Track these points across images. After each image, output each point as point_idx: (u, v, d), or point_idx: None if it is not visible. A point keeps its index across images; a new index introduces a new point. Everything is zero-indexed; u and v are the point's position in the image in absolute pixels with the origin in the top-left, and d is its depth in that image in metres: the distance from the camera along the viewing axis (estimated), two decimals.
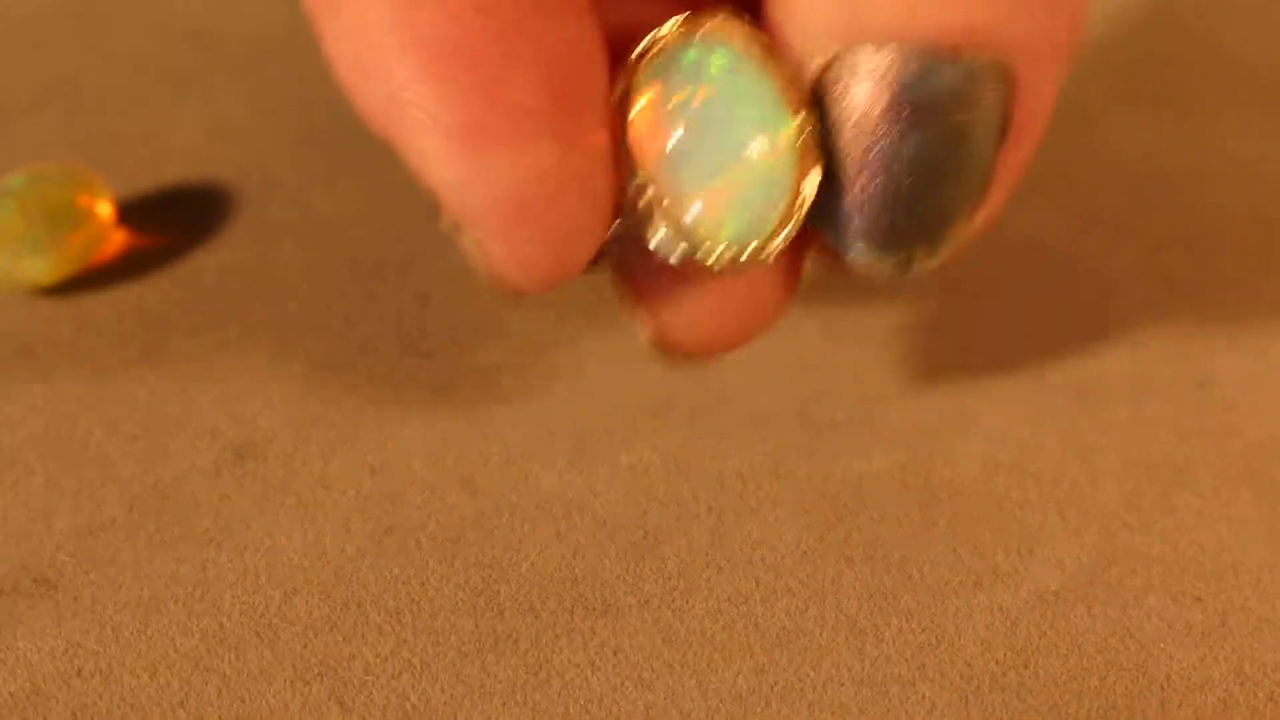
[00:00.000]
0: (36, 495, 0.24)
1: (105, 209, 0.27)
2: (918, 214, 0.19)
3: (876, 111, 0.19)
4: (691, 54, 0.19)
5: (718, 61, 0.19)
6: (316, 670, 0.21)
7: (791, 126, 0.19)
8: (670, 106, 0.19)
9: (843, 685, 0.21)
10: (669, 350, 0.21)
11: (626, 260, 0.20)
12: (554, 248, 0.19)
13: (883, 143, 0.19)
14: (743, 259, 0.19)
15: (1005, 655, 0.22)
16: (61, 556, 0.23)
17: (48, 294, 0.27)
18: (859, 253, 0.20)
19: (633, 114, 0.19)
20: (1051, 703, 0.21)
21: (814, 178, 0.19)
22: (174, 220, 0.28)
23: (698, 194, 0.19)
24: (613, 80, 0.19)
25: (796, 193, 0.19)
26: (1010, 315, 0.26)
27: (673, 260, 0.19)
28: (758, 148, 0.19)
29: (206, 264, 0.28)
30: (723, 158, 0.19)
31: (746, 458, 0.24)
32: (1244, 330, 0.26)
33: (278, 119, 0.31)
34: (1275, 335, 0.26)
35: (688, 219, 0.19)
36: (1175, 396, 0.25)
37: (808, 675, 0.21)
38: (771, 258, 0.20)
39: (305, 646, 0.22)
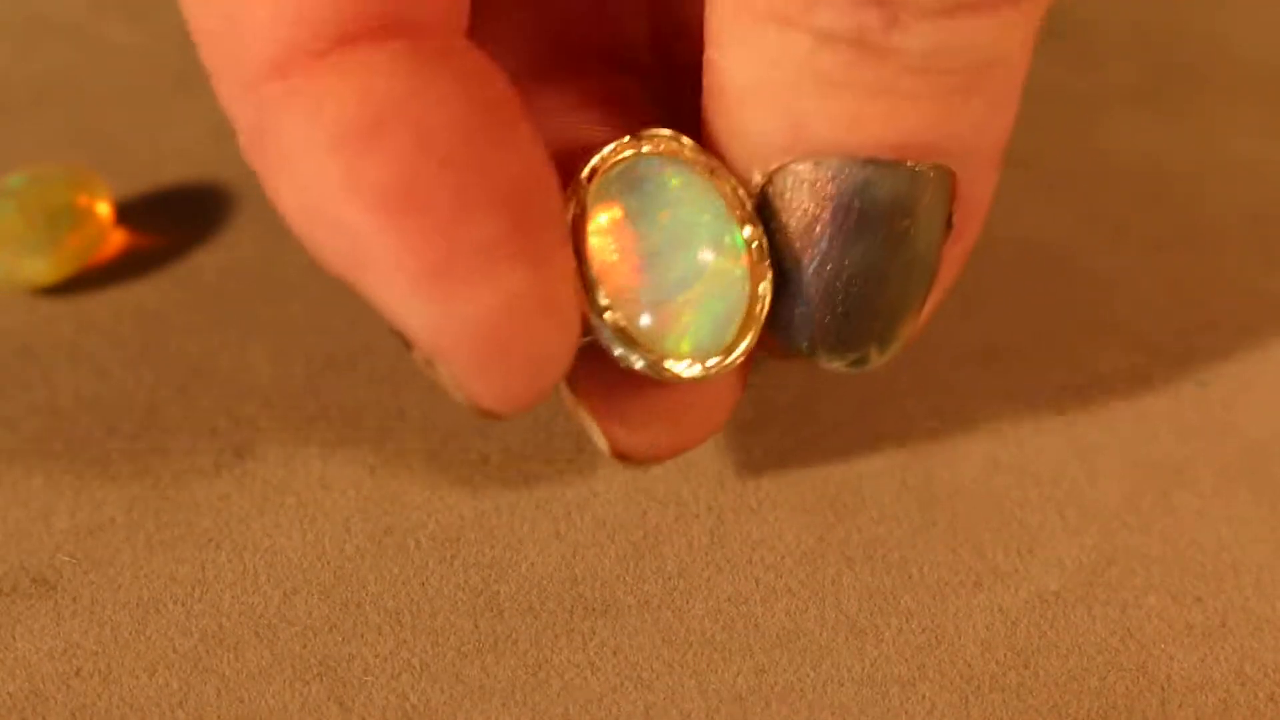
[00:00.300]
0: (36, 495, 0.24)
1: (105, 209, 0.27)
2: (867, 317, 0.20)
3: (821, 222, 0.19)
4: (645, 172, 0.20)
5: (672, 179, 0.20)
6: (316, 670, 0.21)
7: (743, 238, 0.20)
8: (630, 224, 0.20)
9: (843, 685, 0.21)
10: (625, 459, 0.21)
11: (582, 375, 0.21)
12: (528, 373, 0.18)
13: (829, 252, 0.20)
14: (708, 370, 0.20)
15: (1005, 655, 0.22)
16: (61, 556, 0.23)
17: (47, 294, 0.27)
18: (813, 355, 0.20)
19: (590, 232, 0.19)
20: (1052, 703, 0.21)
21: (766, 285, 0.20)
22: (173, 220, 0.28)
23: (662, 309, 0.20)
24: (564, 200, 0.19)
25: (754, 301, 0.20)
26: (1010, 315, 0.26)
27: (638, 371, 0.20)
28: (716, 261, 0.20)
29: (206, 264, 0.28)
30: (684, 273, 0.20)
31: (746, 458, 0.24)
32: (1244, 330, 0.26)
33: None
34: (1275, 335, 0.26)
35: (652, 334, 0.20)
36: (1175, 396, 0.25)
37: (808, 675, 0.21)
38: (734, 367, 0.20)
39: (305, 647, 0.22)
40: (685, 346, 0.20)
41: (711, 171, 0.20)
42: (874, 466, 0.24)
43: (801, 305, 0.20)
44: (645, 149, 0.20)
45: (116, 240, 0.28)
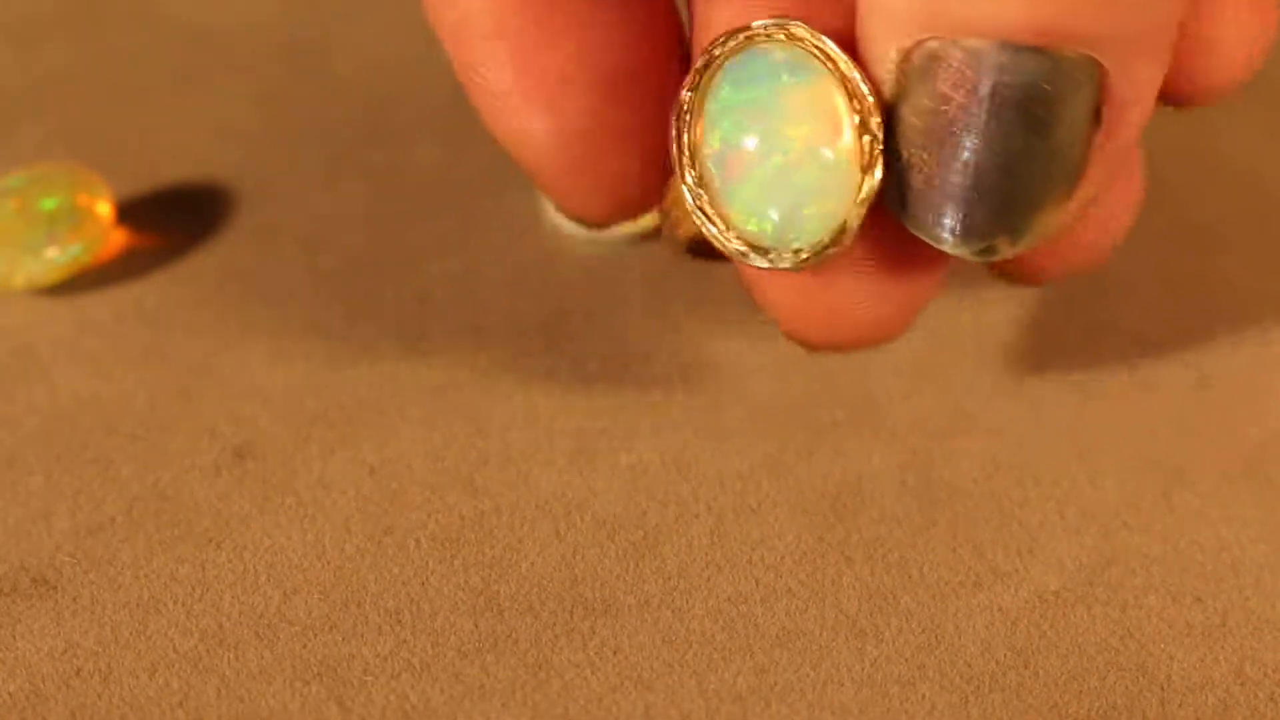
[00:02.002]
0: (36, 495, 0.24)
1: (105, 209, 0.27)
2: (999, 204, 0.19)
3: (953, 105, 0.19)
4: (756, 61, 0.20)
5: (782, 73, 0.20)
6: (316, 670, 0.21)
7: (852, 127, 0.19)
8: (730, 114, 0.20)
9: (843, 685, 0.21)
10: (801, 343, 0.22)
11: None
12: (603, 191, 0.22)
13: (960, 135, 0.19)
14: (800, 259, 0.20)
15: (1005, 655, 0.22)
16: (61, 556, 0.23)
17: (47, 293, 0.27)
18: (939, 240, 0.20)
19: (694, 121, 0.20)
20: (1051, 703, 0.21)
21: (877, 174, 0.19)
22: (173, 220, 0.28)
23: (749, 194, 0.20)
24: (688, 67, 0.20)
25: (858, 189, 0.19)
26: (1010, 315, 0.26)
27: (734, 259, 0.20)
28: (814, 149, 0.19)
29: (206, 264, 0.28)
30: (776, 160, 0.20)
31: (746, 458, 0.24)
32: (1244, 330, 0.26)
33: (278, 119, 0.31)
34: (1275, 335, 0.26)
35: (740, 218, 0.20)
36: (1175, 396, 0.25)
37: (808, 675, 0.21)
38: (832, 257, 0.20)
39: (304, 646, 0.22)
40: (774, 232, 0.20)
41: (829, 59, 0.19)
42: (874, 466, 0.24)
43: (930, 185, 0.19)
44: (761, 38, 0.20)
45: (116, 240, 0.28)
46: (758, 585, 0.22)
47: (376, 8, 0.34)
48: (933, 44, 0.19)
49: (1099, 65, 0.19)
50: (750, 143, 0.20)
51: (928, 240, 0.20)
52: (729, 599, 0.22)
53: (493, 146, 0.30)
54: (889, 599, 0.22)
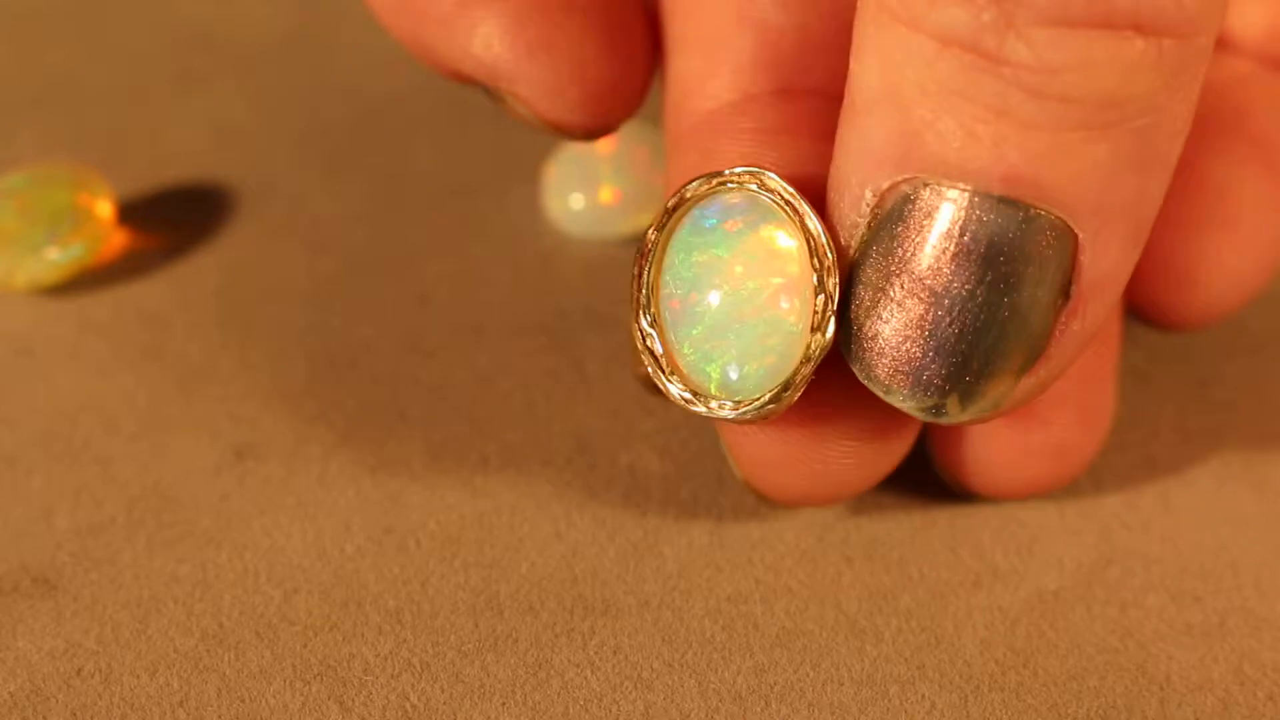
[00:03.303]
0: (36, 495, 0.24)
1: (106, 209, 0.27)
2: (953, 363, 0.19)
3: (921, 250, 0.18)
4: (730, 203, 0.20)
5: (749, 213, 0.20)
6: (316, 670, 0.21)
7: (810, 286, 0.19)
8: (691, 250, 0.20)
9: (842, 685, 0.21)
10: (759, 495, 0.22)
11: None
12: (572, 81, 0.22)
13: (919, 284, 0.19)
14: (741, 412, 0.20)
15: (1005, 655, 0.22)
16: (61, 556, 0.23)
17: (48, 294, 0.27)
18: (887, 393, 0.19)
19: (656, 261, 0.20)
20: (1051, 702, 0.21)
21: (825, 336, 0.19)
22: (174, 220, 0.28)
23: (696, 346, 0.20)
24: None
25: (805, 350, 0.19)
26: None
27: (676, 404, 0.20)
28: (766, 308, 0.20)
29: (207, 264, 0.28)
30: (726, 309, 0.20)
31: None
32: (1244, 330, 0.26)
33: (278, 119, 0.31)
34: (1275, 335, 0.26)
35: (690, 368, 0.20)
36: (1175, 396, 0.25)
37: (807, 675, 0.21)
38: (772, 414, 0.20)
39: (305, 646, 0.22)
40: (713, 387, 0.20)
41: (797, 213, 0.19)
42: None
43: (883, 340, 0.19)
44: (733, 185, 0.20)
45: (117, 240, 0.28)
46: (757, 585, 0.22)
47: None
48: (905, 188, 0.18)
49: (1071, 235, 0.18)
50: (704, 292, 0.20)
51: (877, 392, 0.19)
52: (729, 599, 0.22)
53: (493, 146, 0.30)
54: (889, 599, 0.22)
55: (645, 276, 0.20)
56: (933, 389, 0.19)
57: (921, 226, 0.18)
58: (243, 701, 0.21)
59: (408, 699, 0.21)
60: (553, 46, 0.22)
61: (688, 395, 0.20)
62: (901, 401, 0.19)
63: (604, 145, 0.28)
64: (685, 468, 0.24)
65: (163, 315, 0.27)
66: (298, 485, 0.24)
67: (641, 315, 0.20)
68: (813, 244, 0.19)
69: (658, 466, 0.24)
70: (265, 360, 0.26)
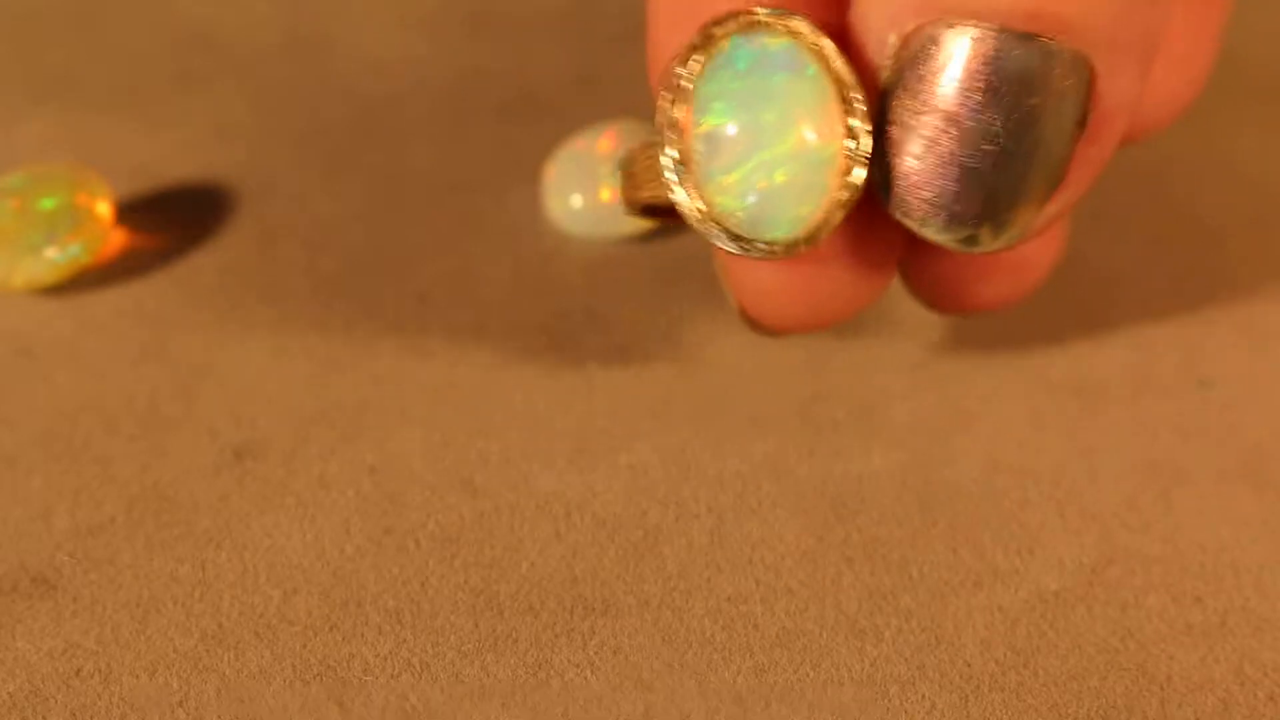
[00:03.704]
0: (36, 495, 0.24)
1: (105, 209, 0.27)
2: (980, 194, 0.20)
3: (949, 88, 0.19)
4: (760, 45, 0.20)
5: (781, 57, 0.20)
6: (316, 670, 0.21)
7: (842, 128, 0.20)
8: (724, 91, 0.20)
9: (842, 685, 0.21)
10: (753, 325, 0.22)
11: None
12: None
13: (947, 121, 0.19)
14: (772, 250, 0.20)
15: (1005, 655, 0.22)
16: (61, 556, 0.23)
17: (47, 294, 0.27)
18: (924, 225, 0.20)
19: (688, 80, 0.20)
20: (1051, 703, 0.21)
21: (858, 178, 0.20)
22: (173, 220, 0.28)
23: (727, 178, 0.20)
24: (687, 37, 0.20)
25: (841, 185, 0.20)
26: (1010, 315, 0.26)
27: (705, 237, 0.20)
28: (798, 142, 0.20)
29: (206, 264, 0.28)
30: (761, 152, 0.20)
31: (746, 458, 0.24)
32: (1244, 330, 0.26)
33: (277, 119, 0.31)
34: (1275, 335, 0.26)
35: (716, 201, 0.20)
36: (1175, 396, 0.25)
37: (808, 675, 0.21)
38: (802, 253, 0.20)
39: (304, 646, 0.22)
40: (742, 216, 0.20)
41: (825, 58, 0.20)
42: (874, 466, 0.24)
43: (916, 171, 0.20)
44: (761, 27, 0.20)
45: (116, 240, 0.28)
46: (758, 585, 0.22)
47: (376, 8, 0.34)
48: (929, 29, 0.19)
49: (1089, 66, 0.19)
50: (739, 131, 0.20)
51: (911, 226, 0.20)
52: (729, 599, 0.22)
53: (492, 146, 0.30)
54: (889, 599, 0.22)
55: (674, 112, 0.20)
56: (967, 220, 0.20)
57: (947, 66, 0.19)
58: (242, 702, 0.21)
59: (407, 699, 0.21)
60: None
61: (717, 231, 0.20)
62: (936, 234, 0.20)
63: (604, 144, 0.28)
64: (685, 468, 0.24)
65: (162, 315, 0.27)
66: (297, 485, 0.24)
67: (669, 147, 0.20)
68: (843, 89, 0.20)
69: (658, 466, 0.24)
70: (265, 360, 0.26)
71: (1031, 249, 0.23)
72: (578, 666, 0.21)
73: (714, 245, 0.20)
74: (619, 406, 0.25)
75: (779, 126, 0.20)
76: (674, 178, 0.20)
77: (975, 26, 0.19)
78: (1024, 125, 0.19)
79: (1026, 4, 0.19)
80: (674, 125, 0.20)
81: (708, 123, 0.20)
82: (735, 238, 0.20)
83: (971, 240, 0.20)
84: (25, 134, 0.30)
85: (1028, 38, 0.19)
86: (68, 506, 0.24)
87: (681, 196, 0.20)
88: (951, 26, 0.19)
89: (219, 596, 0.22)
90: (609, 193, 0.28)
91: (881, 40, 0.20)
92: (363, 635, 0.22)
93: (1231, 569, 0.23)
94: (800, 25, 0.20)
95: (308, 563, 0.23)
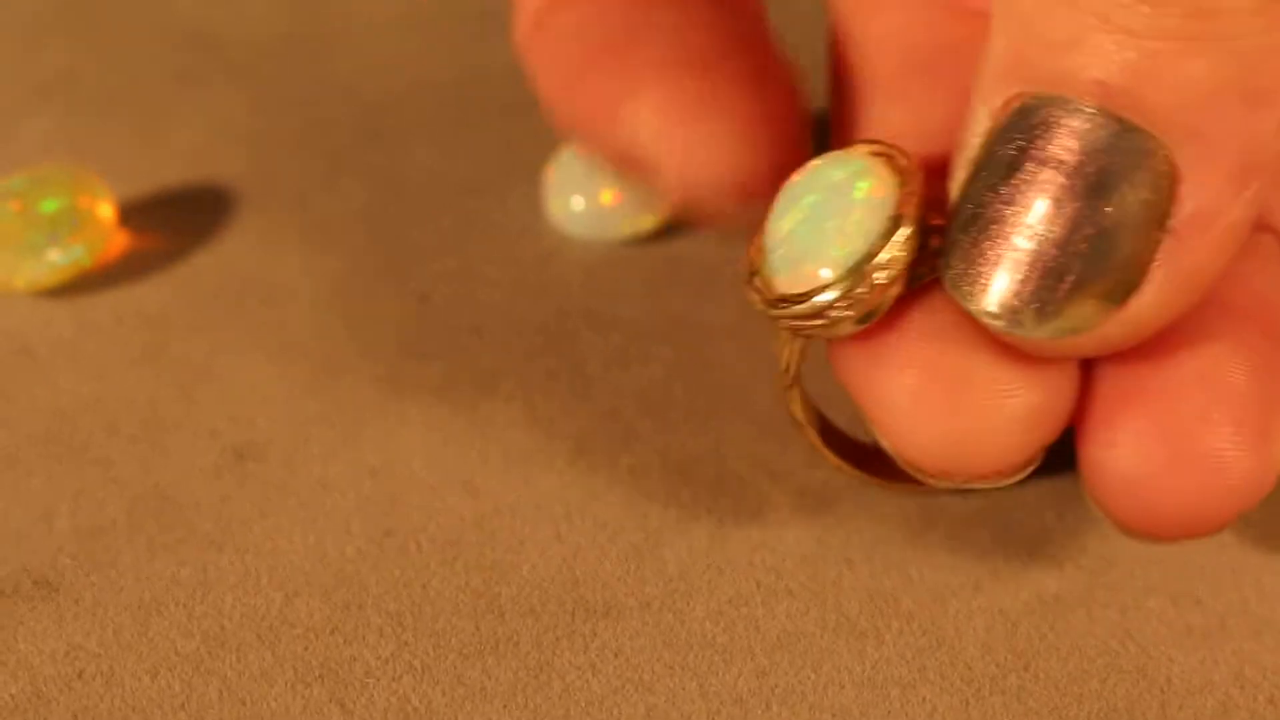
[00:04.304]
0: (37, 496, 0.24)
1: (106, 211, 0.27)
2: (1033, 272, 0.19)
3: (1017, 160, 0.19)
4: (838, 173, 0.20)
5: (860, 186, 0.20)
6: (317, 672, 0.21)
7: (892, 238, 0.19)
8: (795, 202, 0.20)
9: (843, 688, 0.21)
10: (912, 467, 0.21)
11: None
12: (714, 162, 0.22)
13: (1014, 189, 0.19)
14: (822, 320, 0.20)
15: (1005, 658, 0.22)
16: (62, 558, 0.23)
17: (49, 296, 0.27)
18: (965, 298, 0.19)
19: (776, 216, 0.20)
20: (1052, 705, 0.21)
21: (903, 247, 0.19)
22: (174, 222, 0.28)
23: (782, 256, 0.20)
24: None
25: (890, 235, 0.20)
26: None
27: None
28: (849, 226, 0.20)
29: (207, 265, 0.28)
30: (815, 240, 0.20)
31: (746, 460, 0.24)
32: None
33: (279, 120, 0.31)
34: None
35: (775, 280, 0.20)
36: None
37: (808, 678, 0.21)
38: (855, 321, 0.20)
39: (306, 649, 0.22)
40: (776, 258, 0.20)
41: (910, 182, 0.20)
42: None
43: (975, 244, 0.19)
44: (855, 159, 0.20)
45: (118, 242, 0.28)
46: (758, 587, 0.22)
47: (375, 7, 0.34)
48: (1016, 102, 0.19)
49: (1169, 160, 0.18)
50: (794, 218, 0.20)
51: (953, 296, 0.19)
52: (730, 601, 0.22)
53: (493, 147, 0.30)
54: (890, 601, 0.22)
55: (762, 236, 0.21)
56: (1010, 294, 0.19)
57: (1017, 138, 0.19)
58: (244, 704, 0.21)
59: (409, 701, 0.21)
60: (702, 120, 0.22)
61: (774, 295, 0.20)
62: (978, 305, 0.19)
63: None
64: (686, 470, 0.24)
65: (163, 316, 0.27)
66: (298, 487, 0.24)
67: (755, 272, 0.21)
68: (902, 170, 0.20)
69: (659, 469, 0.24)
70: (266, 361, 0.26)
71: (1227, 445, 0.20)
72: (579, 669, 0.22)
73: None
74: (619, 408, 0.25)
75: (833, 195, 0.20)
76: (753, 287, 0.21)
77: (1054, 99, 0.18)
78: (1086, 206, 0.18)
79: (1103, 77, 0.18)
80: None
81: (774, 224, 0.20)
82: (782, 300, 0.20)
83: (1015, 321, 0.19)
84: (26, 136, 0.30)
85: (1105, 114, 0.18)
86: (69, 508, 0.24)
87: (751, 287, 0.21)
88: (1035, 98, 0.18)
89: (220, 599, 0.22)
90: (610, 194, 0.28)
91: (976, 118, 0.19)
92: (364, 637, 0.22)
93: (1232, 571, 0.23)
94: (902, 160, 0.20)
95: (309, 565, 0.23)
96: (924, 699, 0.21)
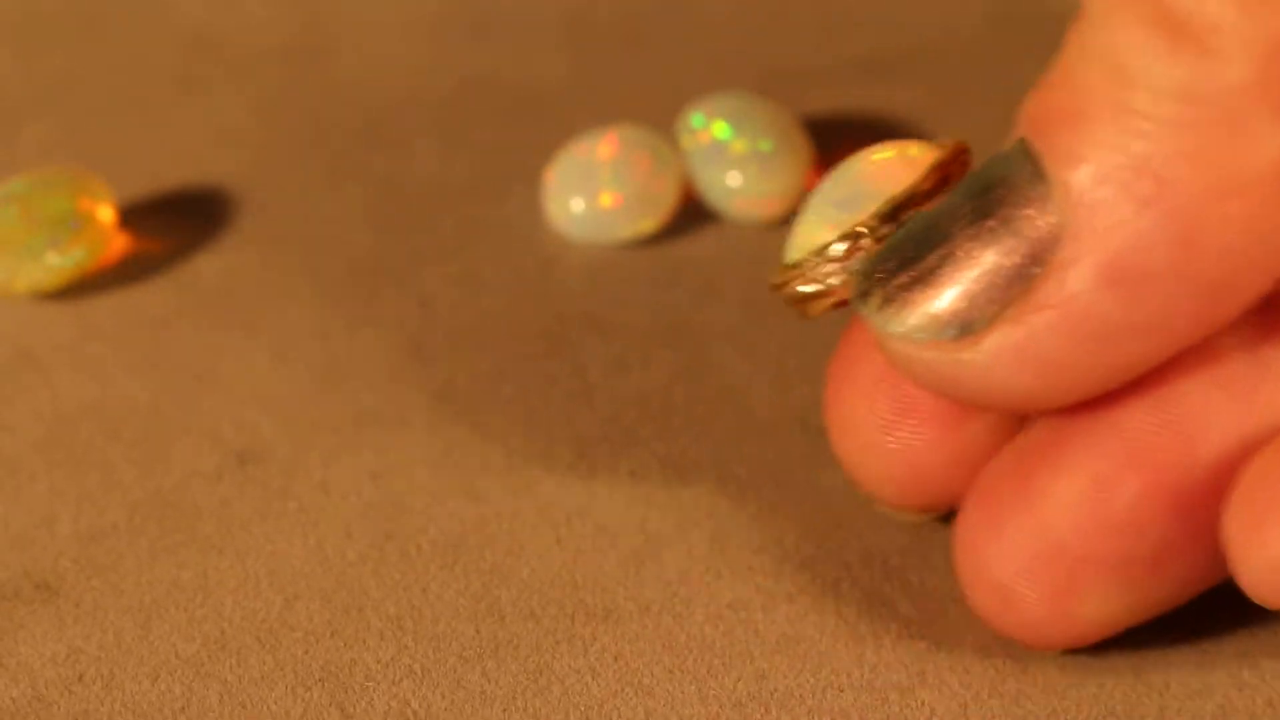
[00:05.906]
0: (38, 500, 0.24)
1: (107, 213, 0.27)
2: (895, 261, 0.20)
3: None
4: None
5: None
6: (318, 676, 0.21)
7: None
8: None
9: (842, 692, 0.21)
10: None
11: None
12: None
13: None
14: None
15: (1004, 662, 0.22)
16: (63, 562, 0.23)
17: (49, 299, 0.27)
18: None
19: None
20: (1050, 709, 0.21)
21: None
22: (175, 224, 0.28)
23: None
24: None
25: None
26: None
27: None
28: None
29: (208, 268, 0.28)
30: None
31: (746, 464, 0.24)
32: None
33: (279, 123, 0.31)
34: None
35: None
36: None
37: (808, 682, 0.21)
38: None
39: (306, 652, 0.22)
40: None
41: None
42: None
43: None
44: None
45: (119, 245, 0.28)
46: (758, 591, 0.23)
47: (376, 10, 0.34)
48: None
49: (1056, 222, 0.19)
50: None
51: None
52: (729, 605, 0.22)
53: (493, 150, 0.30)
54: (888, 605, 0.22)
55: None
56: (872, 265, 0.20)
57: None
58: (244, 707, 0.21)
59: (409, 705, 0.21)
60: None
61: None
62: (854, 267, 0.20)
63: (604, 149, 0.28)
64: (686, 474, 0.24)
65: (164, 320, 0.27)
66: (299, 491, 0.24)
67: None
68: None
69: (658, 472, 0.24)
70: (266, 366, 0.26)
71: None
72: (578, 673, 0.22)
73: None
74: (619, 412, 0.25)
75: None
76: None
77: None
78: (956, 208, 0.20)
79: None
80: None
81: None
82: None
83: (864, 293, 0.20)
84: (27, 139, 0.30)
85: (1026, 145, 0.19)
86: (70, 512, 0.24)
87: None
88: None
89: (221, 602, 0.22)
90: (609, 197, 0.28)
91: None
92: (364, 641, 0.22)
93: None
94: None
95: (309, 569, 0.23)
96: (923, 703, 0.21)
